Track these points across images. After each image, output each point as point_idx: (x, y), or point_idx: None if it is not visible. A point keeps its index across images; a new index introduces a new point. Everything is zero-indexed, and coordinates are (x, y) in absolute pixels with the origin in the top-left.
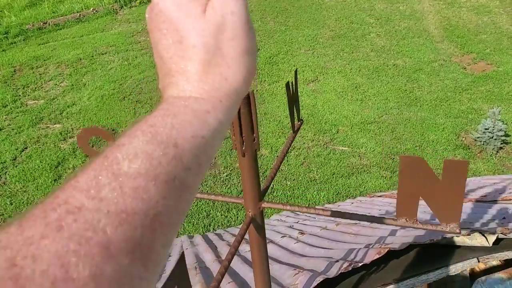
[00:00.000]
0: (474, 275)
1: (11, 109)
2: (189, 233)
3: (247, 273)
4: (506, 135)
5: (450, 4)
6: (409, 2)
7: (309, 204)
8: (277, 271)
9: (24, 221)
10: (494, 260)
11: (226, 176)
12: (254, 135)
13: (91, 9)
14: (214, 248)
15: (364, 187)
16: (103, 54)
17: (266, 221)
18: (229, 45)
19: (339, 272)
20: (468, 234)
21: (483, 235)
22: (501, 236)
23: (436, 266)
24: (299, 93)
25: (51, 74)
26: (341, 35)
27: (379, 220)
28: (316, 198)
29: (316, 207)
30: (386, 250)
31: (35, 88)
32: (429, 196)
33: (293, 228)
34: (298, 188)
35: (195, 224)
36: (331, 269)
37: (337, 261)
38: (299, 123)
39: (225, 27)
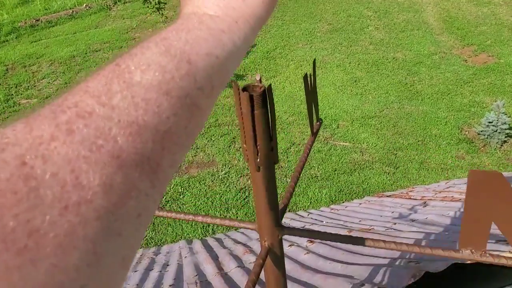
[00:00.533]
0: None
1: (3, 108)
2: (187, 234)
3: None
4: (510, 128)
5: None
6: None
7: (311, 203)
8: None
9: (31, 119)
10: None
11: (225, 174)
12: (272, 143)
13: (84, 5)
14: (215, 257)
15: (367, 184)
16: (97, 51)
17: None
18: None
19: None
20: None
21: None
22: None
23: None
24: (298, 88)
25: (44, 72)
26: (339, 29)
27: (434, 251)
28: (318, 196)
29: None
30: (423, 273)
31: (28, 86)
32: (506, 221)
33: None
34: (299, 185)
35: (193, 225)
36: None
37: (363, 285)
38: (318, 123)
39: None
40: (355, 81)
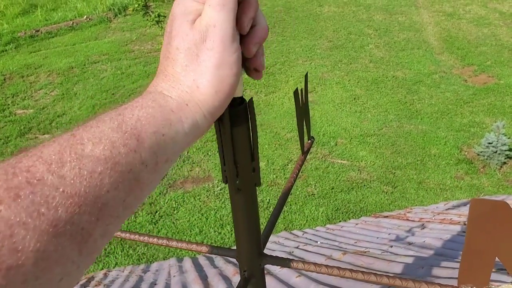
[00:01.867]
0: None
1: None
2: (180, 250)
3: None
4: (510, 150)
5: (449, 16)
6: (408, 13)
7: (307, 221)
8: None
9: None
10: None
11: (220, 190)
12: (254, 163)
13: (85, 17)
14: (204, 277)
15: (365, 203)
16: (95, 63)
17: None
18: (207, 54)
19: None
20: None
21: None
22: None
23: None
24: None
25: (42, 83)
26: (339, 46)
27: (429, 286)
28: (314, 214)
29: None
30: None
31: (25, 97)
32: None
33: (293, 256)
34: (296, 203)
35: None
36: None
37: None
38: (309, 141)
39: (206, 37)
40: (355, 98)
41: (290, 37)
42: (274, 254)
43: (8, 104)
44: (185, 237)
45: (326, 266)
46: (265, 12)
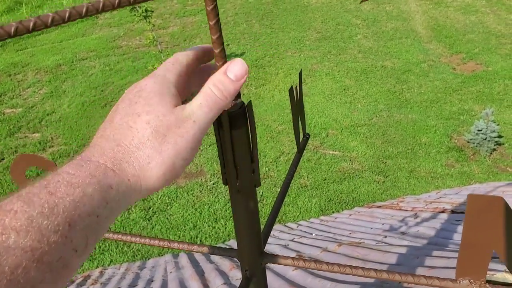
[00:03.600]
0: None
1: None
2: None
3: None
4: (499, 136)
5: (437, 4)
6: (395, 2)
7: (300, 212)
8: None
9: None
10: None
11: (213, 184)
12: (254, 165)
13: None
14: (200, 273)
15: (357, 193)
16: (83, 60)
17: None
18: (174, 140)
19: None
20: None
21: None
22: None
23: None
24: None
25: (30, 81)
26: (327, 37)
27: (429, 281)
28: (307, 206)
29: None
30: None
31: (13, 96)
32: (508, 249)
33: (289, 249)
34: (289, 195)
35: (181, 236)
36: None
37: None
38: (304, 138)
39: (182, 126)
40: (344, 89)
41: (279, 29)
42: (269, 247)
43: None
44: (179, 232)
45: (327, 263)
46: (253, 5)
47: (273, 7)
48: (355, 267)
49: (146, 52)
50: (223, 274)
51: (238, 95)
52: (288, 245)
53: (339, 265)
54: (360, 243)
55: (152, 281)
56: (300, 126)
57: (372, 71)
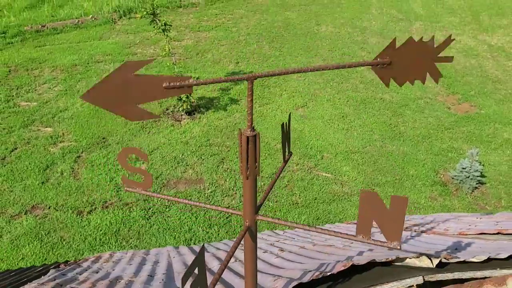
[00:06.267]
0: None
1: (3, 108)
2: (171, 245)
3: (233, 279)
4: (482, 176)
5: None
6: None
7: (289, 227)
8: (259, 279)
9: None
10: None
11: (211, 192)
12: (256, 164)
13: (90, 16)
14: None
15: (344, 215)
16: (99, 62)
17: None
18: None
19: (311, 278)
20: (418, 257)
21: (430, 258)
22: (444, 260)
23: (389, 280)
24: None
25: (46, 77)
26: None
27: (344, 235)
28: (296, 221)
29: (301, 224)
30: (350, 264)
31: (29, 89)
32: (380, 220)
33: (274, 246)
34: (280, 210)
35: (176, 237)
36: (305, 277)
37: (310, 271)
38: (288, 154)
39: None
40: (343, 116)
41: (287, 53)
42: (258, 245)
43: (13, 96)
44: (175, 233)
45: (303, 225)
46: (265, 27)
47: (284, 31)
48: (329, 230)
49: (159, 62)
50: (220, 260)
51: (253, 128)
52: (273, 243)
53: (308, 225)
54: (330, 245)
55: (158, 262)
56: (287, 146)
57: (371, 102)
